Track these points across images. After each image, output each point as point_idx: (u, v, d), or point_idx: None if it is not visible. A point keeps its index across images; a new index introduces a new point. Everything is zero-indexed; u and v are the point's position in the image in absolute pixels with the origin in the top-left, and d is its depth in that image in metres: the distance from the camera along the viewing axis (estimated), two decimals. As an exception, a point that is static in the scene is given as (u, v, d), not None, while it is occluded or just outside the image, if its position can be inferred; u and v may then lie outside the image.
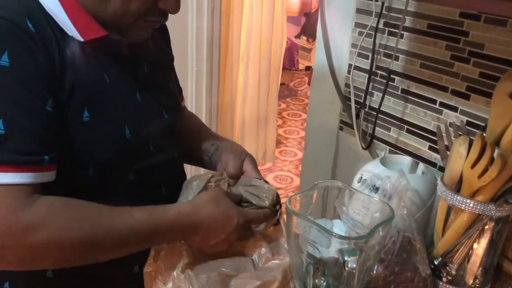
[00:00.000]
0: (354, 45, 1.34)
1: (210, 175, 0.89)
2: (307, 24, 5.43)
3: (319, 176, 1.54)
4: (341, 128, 1.45)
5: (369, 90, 1.32)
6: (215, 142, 1.02)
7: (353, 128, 1.37)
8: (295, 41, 5.38)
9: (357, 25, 1.32)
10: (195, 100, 2.18)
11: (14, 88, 0.65)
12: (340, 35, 1.39)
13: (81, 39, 0.73)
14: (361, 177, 1.09)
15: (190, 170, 2.17)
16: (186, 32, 2.02)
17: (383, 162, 1.10)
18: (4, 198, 0.63)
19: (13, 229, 0.63)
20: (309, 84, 4.80)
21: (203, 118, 2.22)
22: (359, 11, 1.31)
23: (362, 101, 1.34)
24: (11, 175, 0.64)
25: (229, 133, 2.82)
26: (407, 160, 1.14)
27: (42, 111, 0.68)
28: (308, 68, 5.34)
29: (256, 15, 2.74)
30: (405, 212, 0.94)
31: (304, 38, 5.56)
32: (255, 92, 2.95)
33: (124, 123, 0.79)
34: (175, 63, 1.02)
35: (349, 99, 1.37)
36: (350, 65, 1.36)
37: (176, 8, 0.77)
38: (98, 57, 0.76)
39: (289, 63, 4.96)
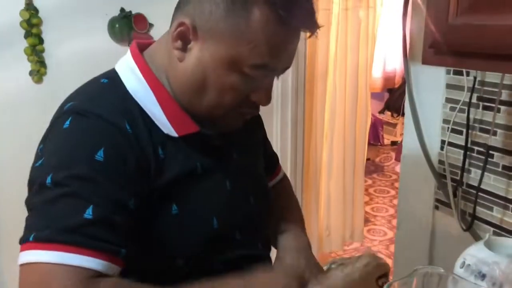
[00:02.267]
0: (445, 121, 1.29)
1: None
2: (391, 99, 5.38)
3: (414, 259, 1.44)
4: (436, 207, 1.36)
5: (465, 167, 1.24)
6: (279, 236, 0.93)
7: (451, 207, 1.28)
8: (379, 117, 5.33)
9: (448, 100, 1.28)
10: (280, 178, 2.19)
11: (105, 182, 0.67)
12: (430, 111, 1.35)
13: (176, 135, 0.76)
14: (464, 262, 1.00)
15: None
16: (271, 112, 2.08)
17: (488, 245, 1.01)
18: (77, 279, 0.63)
19: None
20: (396, 159, 4.66)
21: (289, 196, 2.21)
22: (449, 86, 1.28)
23: (458, 178, 1.26)
24: (88, 259, 0.64)
25: (314, 211, 2.78)
26: (516, 243, 1.03)
27: (126, 207, 0.69)
28: (394, 143, 5.21)
29: (339, 93, 2.78)
30: (520, 304, 0.83)
31: (388, 113, 5.50)
32: (341, 169, 2.91)
33: (212, 214, 0.79)
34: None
35: (444, 177, 1.30)
36: (443, 141, 1.30)
37: (268, 101, 0.78)
38: (191, 150, 0.78)
39: (374, 138, 4.89)
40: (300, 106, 2.18)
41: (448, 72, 1.27)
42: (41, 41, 1.58)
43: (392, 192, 4.31)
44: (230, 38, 0.71)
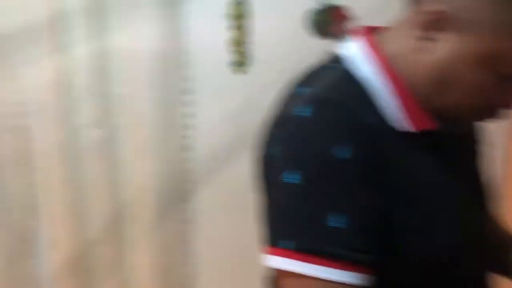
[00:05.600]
0: None
1: None
2: None
3: None
4: None
5: None
6: None
7: None
8: None
9: None
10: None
11: (356, 185, 0.63)
12: None
13: (410, 130, 0.69)
14: None
15: None
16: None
17: None
18: None
19: None
20: None
21: None
22: None
23: None
24: (354, 275, 0.61)
25: None
26: None
27: (374, 209, 0.65)
28: None
29: None
30: None
31: None
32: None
33: (454, 223, 0.71)
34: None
35: None
36: None
37: None
38: (423, 148, 0.71)
39: None
40: None
41: None
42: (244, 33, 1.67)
43: None
44: (496, 33, 0.63)
